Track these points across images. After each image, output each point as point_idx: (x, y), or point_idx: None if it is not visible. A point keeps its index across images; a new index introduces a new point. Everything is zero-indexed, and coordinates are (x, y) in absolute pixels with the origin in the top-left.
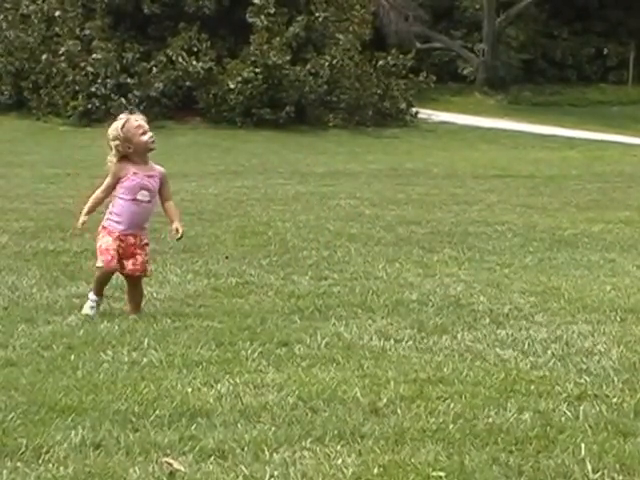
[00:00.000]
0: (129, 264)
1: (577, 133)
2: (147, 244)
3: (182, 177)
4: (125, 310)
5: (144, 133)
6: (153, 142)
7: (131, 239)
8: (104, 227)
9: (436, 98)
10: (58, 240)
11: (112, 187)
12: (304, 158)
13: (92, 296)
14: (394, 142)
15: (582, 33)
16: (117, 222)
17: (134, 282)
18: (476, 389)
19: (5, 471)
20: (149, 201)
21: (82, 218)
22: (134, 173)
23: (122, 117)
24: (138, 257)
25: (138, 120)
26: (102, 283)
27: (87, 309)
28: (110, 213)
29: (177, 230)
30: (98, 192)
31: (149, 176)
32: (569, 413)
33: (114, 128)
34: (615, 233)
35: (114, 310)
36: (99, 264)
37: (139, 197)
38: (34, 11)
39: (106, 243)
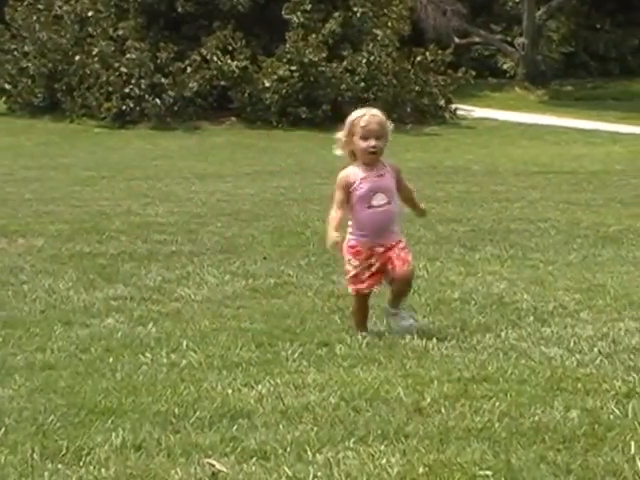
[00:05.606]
0: (394, 269)
1: (621, 127)
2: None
3: (218, 177)
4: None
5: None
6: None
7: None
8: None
9: (476, 94)
10: (94, 242)
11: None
12: (341, 157)
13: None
14: (433, 139)
15: (625, 25)
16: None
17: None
18: (521, 387)
19: (46, 473)
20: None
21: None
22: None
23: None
24: (395, 257)
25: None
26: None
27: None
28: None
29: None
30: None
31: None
32: (617, 411)
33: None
34: None
35: (151, 312)
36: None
37: (374, 203)
38: (67, 12)
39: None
